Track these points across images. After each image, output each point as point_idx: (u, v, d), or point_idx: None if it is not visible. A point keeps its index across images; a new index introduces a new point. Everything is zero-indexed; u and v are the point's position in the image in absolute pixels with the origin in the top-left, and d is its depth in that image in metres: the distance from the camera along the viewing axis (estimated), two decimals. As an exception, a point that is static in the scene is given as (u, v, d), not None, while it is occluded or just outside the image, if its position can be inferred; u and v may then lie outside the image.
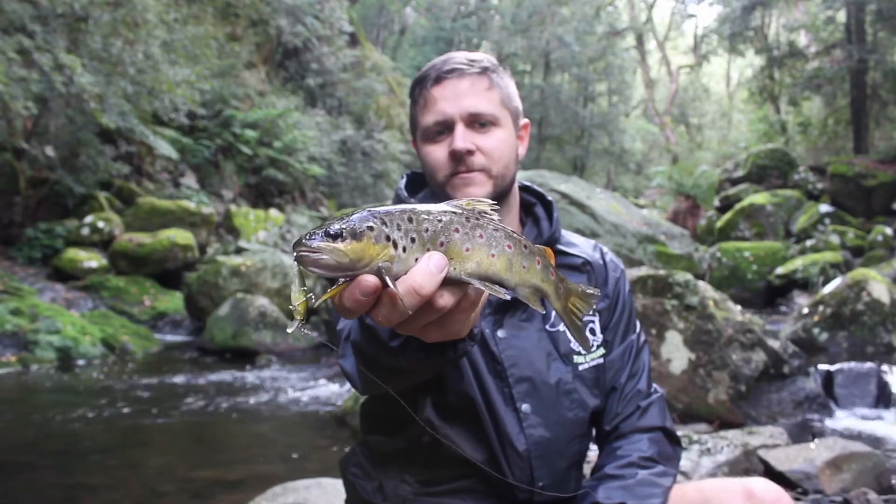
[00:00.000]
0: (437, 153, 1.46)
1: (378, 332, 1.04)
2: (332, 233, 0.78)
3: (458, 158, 1.43)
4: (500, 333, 1.45)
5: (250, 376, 6.99)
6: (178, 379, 6.82)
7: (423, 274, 0.78)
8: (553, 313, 1.49)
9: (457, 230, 0.83)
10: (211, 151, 15.17)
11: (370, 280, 0.78)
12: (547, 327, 1.49)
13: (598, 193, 10.26)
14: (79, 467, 4.28)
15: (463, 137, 1.42)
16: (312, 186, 18.52)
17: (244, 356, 7.82)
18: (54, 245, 10.63)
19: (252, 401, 5.97)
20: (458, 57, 1.46)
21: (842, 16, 17.59)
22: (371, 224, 0.78)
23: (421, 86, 1.48)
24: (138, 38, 10.70)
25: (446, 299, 0.81)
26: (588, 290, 0.99)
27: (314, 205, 18.23)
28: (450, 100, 1.43)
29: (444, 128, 1.45)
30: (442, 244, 0.81)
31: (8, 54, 8.55)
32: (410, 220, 0.80)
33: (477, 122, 1.44)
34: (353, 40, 21.57)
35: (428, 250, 0.80)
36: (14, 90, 8.49)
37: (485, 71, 1.46)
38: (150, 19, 10.92)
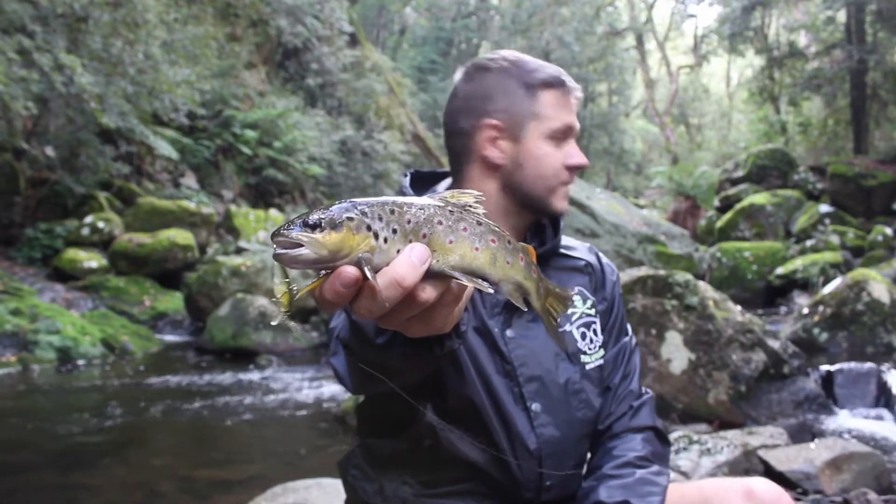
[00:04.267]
0: (555, 158, 1.47)
1: (364, 328, 1.03)
2: (310, 223, 0.76)
3: (574, 172, 1.50)
4: (508, 333, 1.46)
5: (250, 376, 6.99)
6: (178, 379, 6.82)
7: (404, 265, 0.77)
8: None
9: (440, 222, 0.81)
10: (211, 151, 15.16)
11: (350, 271, 0.76)
12: (554, 327, 1.50)
13: (598, 193, 10.27)
14: (79, 467, 4.28)
15: (581, 154, 1.50)
16: (312, 186, 18.51)
17: (244, 356, 7.82)
18: (54, 245, 10.62)
19: (252, 401, 5.97)
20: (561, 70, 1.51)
21: (842, 16, 17.58)
22: (351, 214, 0.77)
23: (560, 84, 1.47)
24: (138, 39, 10.69)
25: (428, 292, 0.80)
26: (565, 293, 0.99)
27: (314, 205, 18.23)
28: (573, 112, 1.49)
29: (567, 135, 1.48)
30: (424, 236, 0.80)
31: (8, 54, 8.55)
32: (392, 211, 0.79)
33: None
34: (353, 40, 21.56)
35: (410, 241, 0.79)
36: (14, 90, 8.48)
37: None
38: (150, 19, 10.91)
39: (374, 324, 0.97)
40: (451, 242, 0.81)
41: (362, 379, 1.16)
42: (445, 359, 1.05)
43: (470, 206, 0.84)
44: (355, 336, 1.07)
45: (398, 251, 0.78)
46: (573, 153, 1.47)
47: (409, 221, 0.79)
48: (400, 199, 0.81)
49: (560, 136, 1.46)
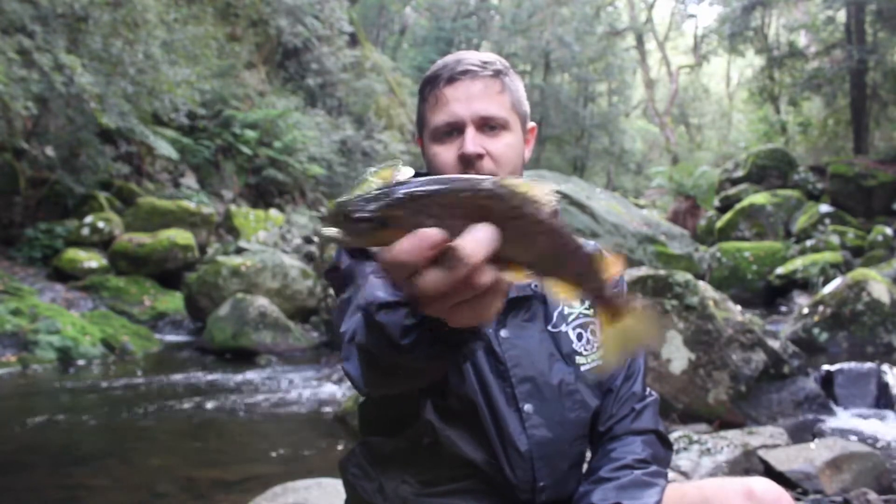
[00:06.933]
0: (446, 154, 1.45)
1: (389, 328, 1.01)
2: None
3: (467, 162, 1.42)
4: (503, 333, 1.45)
5: (250, 376, 6.99)
6: (178, 379, 6.82)
7: (474, 242, 0.75)
8: (555, 313, 1.50)
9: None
10: (211, 151, 15.16)
11: (436, 234, 0.74)
12: (549, 328, 1.49)
13: (598, 193, 10.27)
14: (79, 467, 4.28)
15: (473, 141, 1.41)
16: (312, 186, 18.52)
17: (244, 356, 7.82)
18: (54, 245, 10.62)
19: (252, 401, 5.98)
20: (471, 58, 1.45)
21: (842, 16, 17.57)
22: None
23: (433, 84, 1.46)
24: (138, 39, 10.69)
25: (490, 275, 0.77)
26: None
27: (314, 205, 18.23)
28: (462, 101, 1.42)
29: (454, 129, 1.44)
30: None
31: (8, 54, 8.55)
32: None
33: (487, 125, 1.43)
34: (353, 40, 21.56)
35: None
36: (14, 90, 8.48)
37: (497, 74, 1.45)
38: (150, 19, 10.91)
39: (401, 324, 0.96)
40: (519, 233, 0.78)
41: (377, 381, 1.15)
42: (468, 359, 1.01)
43: (538, 199, 0.79)
44: (377, 337, 1.04)
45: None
46: (463, 143, 1.42)
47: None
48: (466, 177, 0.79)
49: (441, 134, 1.45)
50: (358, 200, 0.75)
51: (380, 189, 0.76)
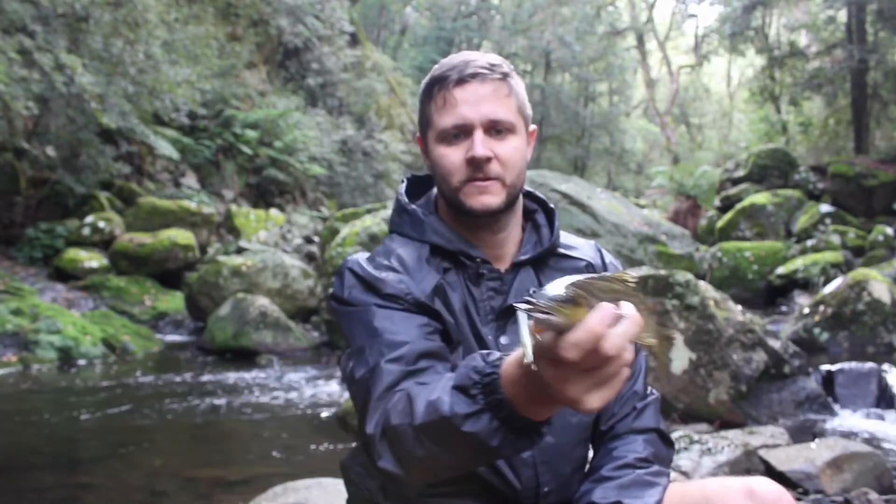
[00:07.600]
0: (453, 156, 1.43)
1: (479, 437, 1.05)
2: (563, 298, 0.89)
3: (477, 165, 1.41)
4: (502, 340, 1.45)
5: (250, 376, 6.99)
6: (179, 379, 6.82)
7: (630, 308, 0.89)
8: None
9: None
10: (211, 151, 15.16)
11: (612, 306, 0.87)
12: (547, 333, 1.48)
13: (598, 193, 10.26)
14: (79, 467, 4.28)
15: (483, 144, 1.40)
16: (313, 186, 18.51)
17: (245, 356, 7.82)
18: (55, 245, 10.63)
19: (252, 401, 5.98)
20: (480, 60, 1.44)
21: (843, 15, 17.55)
22: (581, 292, 0.91)
23: (441, 84, 1.44)
24: (139, 38, 10.69)
25: (631, 352, 0.89)
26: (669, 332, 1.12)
27: (315, 205, 18.23)
28: (471, 104, 1.41)
29: (462, 132, 1.42)
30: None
31: (9, 54, 8.55)
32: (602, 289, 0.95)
33: (494, 129, 1.42)
34: (354, 40, 21.56)
35: None
36: (15, 90, 8.48)
37: (505, 77, 1.44)
38: (150, 19, 10.91)
39: (488, 428, 1.02)
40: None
41: (430, 476, 1.22)
42: (538, 444, 1.09)
43: (628, 281, 0.98)
44: (461, 444, 1.08)
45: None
46: (472, 146, 1.41)
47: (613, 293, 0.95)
48: (595, 277, 0.96)
49: (450, 136, 1.43)
50: (551, 290, 0.90)
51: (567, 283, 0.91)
